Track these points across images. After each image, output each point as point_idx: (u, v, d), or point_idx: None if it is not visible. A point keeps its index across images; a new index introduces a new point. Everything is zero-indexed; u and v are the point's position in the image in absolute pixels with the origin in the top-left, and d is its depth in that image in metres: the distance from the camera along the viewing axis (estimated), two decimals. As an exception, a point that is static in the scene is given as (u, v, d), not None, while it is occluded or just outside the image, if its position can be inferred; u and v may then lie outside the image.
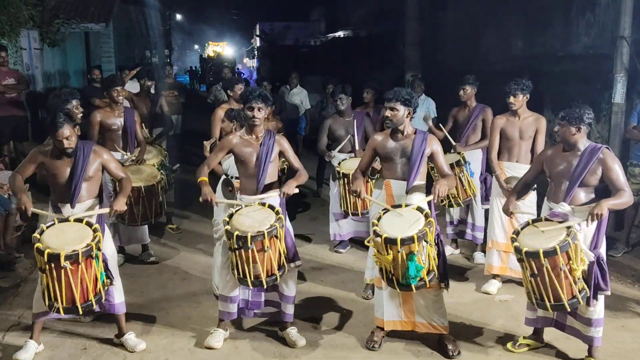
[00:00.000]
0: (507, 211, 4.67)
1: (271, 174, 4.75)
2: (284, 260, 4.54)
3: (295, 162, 4.88)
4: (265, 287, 4.51)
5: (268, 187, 4.74)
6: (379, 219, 4.44)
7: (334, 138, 6.89)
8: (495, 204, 5.81)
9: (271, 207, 4.56)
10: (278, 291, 4.78)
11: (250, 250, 4.30)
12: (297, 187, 4.71)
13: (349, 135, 6.78)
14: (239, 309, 4.82)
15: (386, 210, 4.51)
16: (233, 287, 4.70)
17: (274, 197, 4.70)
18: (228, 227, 4.39)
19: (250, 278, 4.39)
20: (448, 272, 4.70)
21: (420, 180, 4.66)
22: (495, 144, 5.80)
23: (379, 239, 4.25)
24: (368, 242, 4.54)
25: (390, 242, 4.20)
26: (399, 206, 4.51)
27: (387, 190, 4.76)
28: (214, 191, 4.84)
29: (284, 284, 4.72)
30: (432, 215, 4.53)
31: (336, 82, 9.80)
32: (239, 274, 4.42)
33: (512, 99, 5.64)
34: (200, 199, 4.60)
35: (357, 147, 6.67)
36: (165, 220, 7.70)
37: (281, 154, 4.83)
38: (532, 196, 5.51)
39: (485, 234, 6.61)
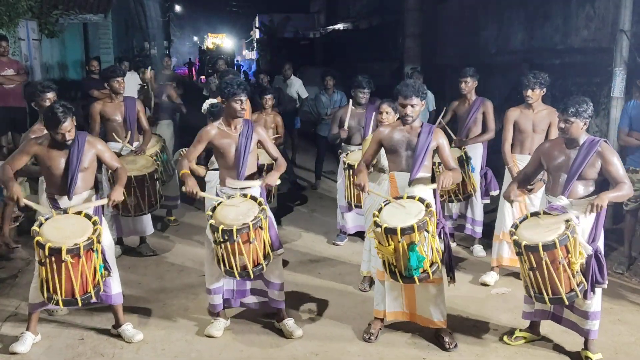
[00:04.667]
0: (508, 198, 4.68)
1: (251, 165, 4.76)
2: (269, 250, 4.56)
3: (274, 151, 4.90)
4: (252, 277, 4.52)
5: (249, 178, 4.75)
6: (380, 210, 4.44)
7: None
8: None
9: (253, 198, 4.56)
10: (264, 279, 4.79)
11: (236, 243, 4.31)
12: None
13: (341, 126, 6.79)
14: (224, 299, 4.85)
15: (387, 202, 4.51)
16: (217, 279, 4.73)
17: (255, 188, 4.71)
18: (212, 221, 4.38)
19: (237, 270, 4.40)
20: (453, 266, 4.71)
21: (424, 173, 4.65)
22: (509, 137, 5.73)
23: (379, 230, 4.25)
24: (369, 233, 4.54)
25: (390, 232, 4.19)
26: (401, 197, 4.51)
27: (391, 183, 4.75)
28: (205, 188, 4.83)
29: (269, 272, 4.73)
30: (437, 206, 4.53)
31: (335, 74, 9.76)
32: (225, 266, 4.42)
33: (529, 92, 5.57)
34: (184, 190, 4.58)
35: None
36: (165, 212, 7.70)
37: (260, 143, 4.82)
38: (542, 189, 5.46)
39: (484, 228, 6.63)
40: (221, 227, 4.30)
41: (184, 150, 5.41)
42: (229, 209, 4.46)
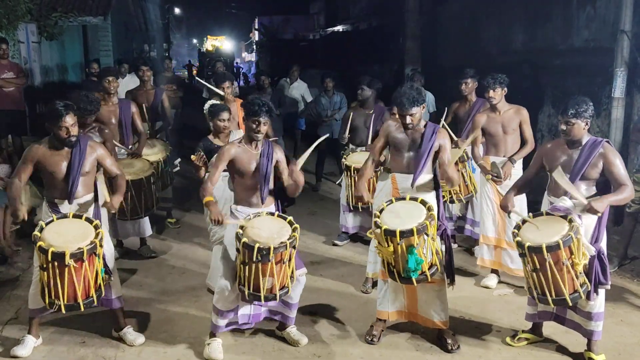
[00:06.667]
0: (506, 208, 4.64)
1: (271, 185, 4.59)
2: (294, 270, 4.40)
3: (286, 173, 4.67)
4: (277, 300, 4.33)
5: (269, 198, 4.61)
6: (381, 210, 4.42)
7: (351, 128, 6.95)
8: (484, 199, 5.79)
9: (282, 217, 4.39)
10: (284, 301, 4.60)
11: (269, 263, 4.12)
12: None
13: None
14: (239, 324, 4.62)
15: (390, 202, 4.49)
16: (232, 303, 4.48)
17: (271, 205, 4.61)
18: (245, 239, 4.14)
19: (263, 292, 4.20)
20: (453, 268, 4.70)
21: (427, 174, 4.63)
22: (478, 141, 5.80)
23: (378, 230, 4.23)
24: (370, 233, 4.52)
25: (389, 233, 4.18)
26: (403, 199, 4.49)
27: (393, 184, 4.74)
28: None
29: (291, 292, 4.50)
30: (439, 208, 4.50)
31: (334, 76, 9.76)
32: (249, 289, 4.21)
33: (491, 93, 5.62)
34: (210, 219, 4.52)
35: (369, 142, 6.66)
36: (165, 214, 7.70)
37: (277, 164, 4.62)
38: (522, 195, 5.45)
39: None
40: (257, 245, 4.09)
41: (199, 152, 5.36)
42: (260, 228, 4.24)
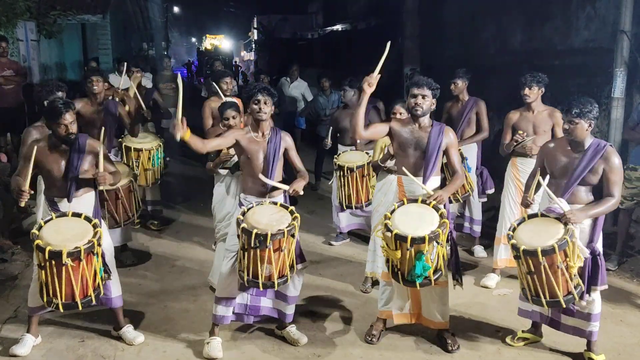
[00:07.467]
0: (526, 203, 4.58)
1: (278, 174, 4.59)
2: (294, 261, 4.43)
3: (298, 161, 4.70)
4: (275, 288, 4.35)
5: (275, 187, 4.58)
6: (392, 211, 4.35)
7: (338, 129, 6.92)
8: (507, 198, 5.74)
9: (284, 207, 4.41)
10: (281, 295, 4.62)
11: (267, 250, 4.15)
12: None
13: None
14: (237, 314, 4.65)
15: (402, 203, 4.43)
16: (231, 291, 4.52)
17: (280, 195, 4.60)
18: (244, 224, 4.20)
19: (261, 279, 4.23)
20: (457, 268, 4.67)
21: (436, 175, 4.56)
22: (508, 139, 5.72)
23: (389, 234, 4.18)
24: (377, 232, 4.49)
25: (400, 238, 4.13)
26: (415, 201, 4.43)
27: (399, 187, 4.66)
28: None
29: (290, 284, 4.55)
30: (447, 214, 4.45)
31: (331, 75, 9.79)
32: (249, 275, 4.26)
33: (527, 91, 5.54)
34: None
35: (358, 140, 6.64)
36: (150, 215, 7.55)
37: (285, 152, 4.62)
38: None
39: (483, 227, 6.63)
40: (255, 231, 4.12)
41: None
42: (260, 215, 4.28)
